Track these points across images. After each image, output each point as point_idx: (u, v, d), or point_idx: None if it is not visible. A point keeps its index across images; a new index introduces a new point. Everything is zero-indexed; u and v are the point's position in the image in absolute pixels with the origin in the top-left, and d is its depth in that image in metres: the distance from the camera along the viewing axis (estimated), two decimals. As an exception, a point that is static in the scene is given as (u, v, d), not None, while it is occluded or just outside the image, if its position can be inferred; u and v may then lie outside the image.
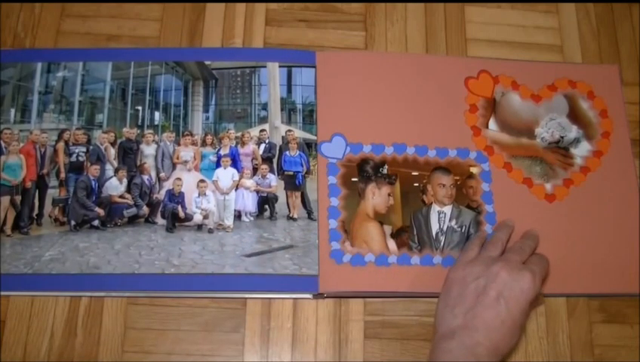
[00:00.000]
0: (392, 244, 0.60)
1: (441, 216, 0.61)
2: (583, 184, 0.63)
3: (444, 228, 0.61)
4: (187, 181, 0.65)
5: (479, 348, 0.47)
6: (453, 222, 0.61)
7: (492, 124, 0.65)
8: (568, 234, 0.61)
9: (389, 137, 0.63)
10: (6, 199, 0.62)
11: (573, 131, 0.65)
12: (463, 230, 0.61)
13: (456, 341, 0.48)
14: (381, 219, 0.61)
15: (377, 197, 0.61)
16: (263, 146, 0.66)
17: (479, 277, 0.51)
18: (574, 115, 0.66)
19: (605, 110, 0.66)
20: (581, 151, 0.64)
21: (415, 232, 0.60)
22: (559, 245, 0.60)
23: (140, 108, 0.66)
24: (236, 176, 0.65)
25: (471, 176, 0.63)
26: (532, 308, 0.56)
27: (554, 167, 0.63)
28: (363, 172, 0.62)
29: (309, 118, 0.66)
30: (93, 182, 0.64)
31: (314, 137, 0.64)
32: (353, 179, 0.62)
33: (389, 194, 0.62)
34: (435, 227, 0.61)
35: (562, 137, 0.64)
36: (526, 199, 0.62)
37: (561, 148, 0.64)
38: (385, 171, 0.62)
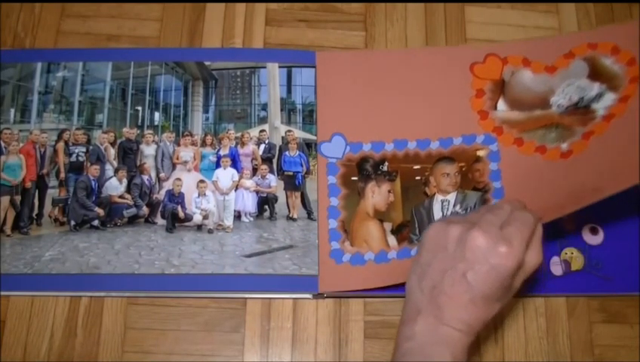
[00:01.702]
0: (392, 240, 0.59)
1: (444, 205, 0.61)
2: (605, 132, 0.58)
3: (448, 214, 0.60)
4: (187, 181, 0.65)
5: (444, 329, 0.43)
6: (458, 207, 0.60)
7: (501, 104, 0.63)
8: (584, 185, 0.55)
9: (389, 134, 0.63)
10: (6, 199, 0.62)
11: (595, 88, 0.61)
12: (468, 211, 0.60)
13: (419, 324, 0.44)
14: (381, 216, 0.61)
15: (377, 195, 0.61)
16: (262, 147, 0.66)
17: (448, 244, 0.45)
18: (595, 74, 0.61)
19: (633, 58, 0.60)
20: (604, 103, 0.59)
21: (417, 225, 0.60)
22: (573, 198, 0.53)
23: (139, 108, 0.66)
24: (236, 177, 0.65)
25: (478, 159, 0.61)
26: (519, 278, 0.47)
27: (572, 128, 0.60)
28: (363, 170, 0.62)
29: (309, 118, 0.66)
30: (93, 182, 0.64)
31: (314, 137, 0.64)
32: (353, 178, 0.62)
33: (389, 191, 0.61)
34: (437, 216, 0.60)
35: (582, 98, 0.60)
36: (539, 166, 0.59)
37: (580, 108, 0.60)
38: (385, 168, 0.62)
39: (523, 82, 0.63)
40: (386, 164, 0.62)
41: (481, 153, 0.61)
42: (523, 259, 0.44)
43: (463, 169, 0.61)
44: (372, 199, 0.61)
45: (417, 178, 0.62)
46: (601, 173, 0.54)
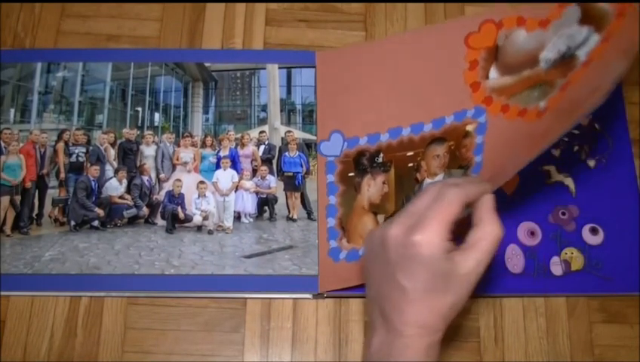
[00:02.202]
0: None
1: None
2: (580, 79, 0.51)
3: None
4: (187, 182, 0.65)
5: (397, 340, 0.40)
6: None
7: (492, 72, 0.58)
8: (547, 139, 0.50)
9: (384, 124, 0.61)
10: (6, 199, 0.62)
11: (583, 33, 0.54)
12: None
13: (374, 342, 0.42)
14: (375, 209, 0.60)
15: (372, 188, 0.60)
16: (262, 148, 0.66)
17: (375, 249, 0.42)
18: (586, 17, 0.54)
19: None
20: (588, 46, 0.53)
21: None
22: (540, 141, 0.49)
23: (139, 109, 0.66)
24: (236, 178, 0.65)
25: (467, 135, 0.58)
26: (469, 258, 0.41)
27: (554, 82, 0.55)
28: (359, 165, 0.61)
29: (309, 118, 0.66)
30: (93, 183, 0.64)
31: (314, 137, 0.64)
32: (350, 175, 0.61)
33: (383, 183, 0.60)
34: None
35: (569, 47, 0.54)
36: (517, 130, 0.55)
37: (566, 59, 0.54)
38: (380, 160, 0.60)
39: (516, 43, 0.57)
40: (381, 155, 0.60)
41: (469, 128, 0.58)
42: (440, 241, 0.39)
43: (452, 147, 0.59)
44: (367, 193, 0.60)
45: (410, 165, 0.60)
46: (570, 110, 0.49)
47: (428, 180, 0.60)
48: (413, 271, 0.40)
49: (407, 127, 0.60)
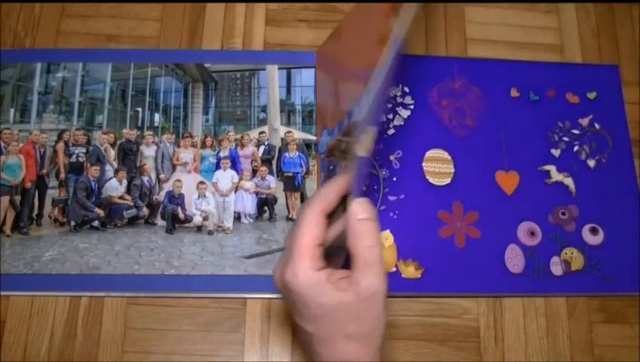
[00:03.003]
0: None
1: None
2: None
3: None
4: (187, 182, 0.65)
5: None
6: None
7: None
8: None
9: (346, 107, 0.55)
10: (6, 199, 0.62)
11: None
12: None
13: None
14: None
15: None
16: (262, 148, 0.66)
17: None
18: None
19: None
20: None
21: None
22: None
23: (139, 109, 0.66)
24: (235, 178, 0.65)
25: None
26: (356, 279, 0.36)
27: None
28: (334, 157, 0.57)
29: (309, 118, 0.66)
30: (93, 183, 0.64)
31: (313, 138, 0.64)
32: (330, 168, 0.60)
33: None
34: None
35: None
36: None
37: None
38: (342, 146, 0.57)
39: None
40: (343, 141, 0.57)
41: None
42: (311, 274, 0.35)
43: None
44: None
45: None
46: None
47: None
48: (305, 312, 0.36)
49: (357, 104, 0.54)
